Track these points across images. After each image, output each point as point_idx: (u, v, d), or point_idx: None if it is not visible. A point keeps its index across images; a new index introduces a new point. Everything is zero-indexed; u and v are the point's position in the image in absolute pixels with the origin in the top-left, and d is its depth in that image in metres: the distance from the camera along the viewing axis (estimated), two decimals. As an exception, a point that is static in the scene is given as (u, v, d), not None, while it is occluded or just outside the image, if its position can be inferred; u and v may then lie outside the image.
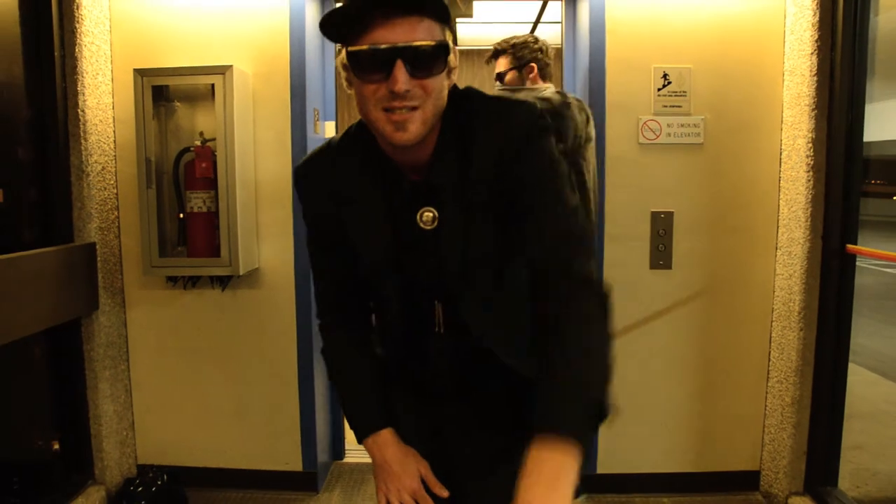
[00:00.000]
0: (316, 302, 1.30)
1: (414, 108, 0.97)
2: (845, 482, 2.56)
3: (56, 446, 2.57)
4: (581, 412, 0.93)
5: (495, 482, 1.08)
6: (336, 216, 1.14)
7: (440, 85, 1.00)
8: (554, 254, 1.05)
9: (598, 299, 1.05)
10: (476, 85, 1.14)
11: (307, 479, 2.75)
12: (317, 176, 1.17)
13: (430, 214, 1.10)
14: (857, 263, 2.43)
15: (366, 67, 0.96)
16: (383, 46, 0.94)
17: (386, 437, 1.21)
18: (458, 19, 3.86)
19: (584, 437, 0.91)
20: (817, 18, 2.32)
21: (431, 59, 0.97)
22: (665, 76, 2.55)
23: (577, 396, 0.94)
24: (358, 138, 1.13)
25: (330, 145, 1.18)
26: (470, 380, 1.21)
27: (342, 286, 1.24)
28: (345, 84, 1.06)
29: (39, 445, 2.55)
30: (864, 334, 6.05)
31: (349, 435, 3.18)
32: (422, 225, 1.10)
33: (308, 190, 1.18)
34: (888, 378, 4.61)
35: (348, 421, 1.27)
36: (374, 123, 1.00)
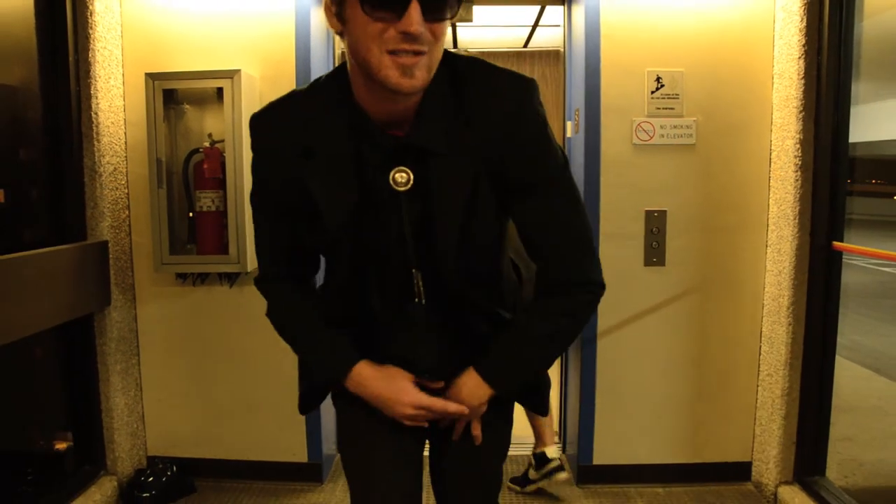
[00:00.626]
0: (260, 261, 1.24)
1: (421, 54, 0.92)
2: (833, 472, 2.64)
3: (69, 438, 2.65)
4: (512, 378, 1.17)
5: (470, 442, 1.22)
6: (294, 171, 1.05)
7: (446, 31, 0.96)
8: (565, 257, 1.10)
9: (588, 299, 1.14)
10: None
11: (312, 470, 2.82)
12: (278, 125, 1.08)
13: (405, 175, 1.03)
14: (856, 263, 2.51)
15: (375, 3, 0.89)
16: None
17: (365, 369, 1.16)
18: (457, 23, 3.93)
19: (503, 389, 1.17)
20: (804, 24, 2.40)
21: (446, 3, 0.92)
22: (658, 79, 2.63)
23: (516, 367, 1.16)
24: (329, 88, 1.05)
25: (295, 94, 1.09)
26: (452, 352, 1.18)
27: (291, 249, 1.18)
28: (332, 21, 0.97)
29: (53, 437, 2.63)
30: (861, 332, 6.13)
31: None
32: (393, 185, 1.03)
33: (266, 140, 1.09)
34: (882, 374, 4.69)
35: (317, 368, 1.21)
36: (374, 67, 0.92)
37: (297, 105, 1.08)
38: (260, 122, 1.09)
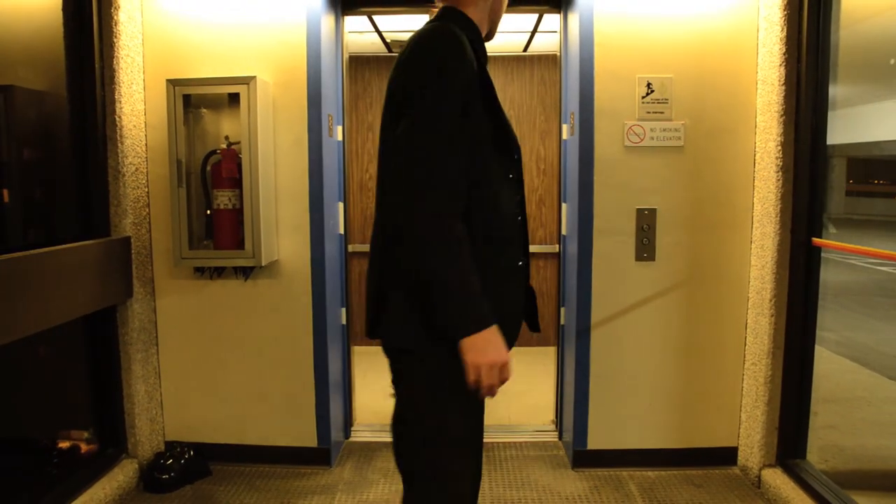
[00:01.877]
0: (438, 194, 1.27)
1: None
2: (815, 456, 2.78)
3: (92, 423, 2.80)
4: None
5: None
6: (480, 75, 1.40)
7: None
8: None
9: None
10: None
11: (321, 455, 2.98)
12: (465, 47, 1.37)
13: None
14: (855, 262, 2.64)
15: None
16: None
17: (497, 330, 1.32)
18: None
19: None
20: (785, 34, 2.56)
21: None
22: (649, 85, 2.79)
23: None
24: (465, 25, 1.46)
25: (452, 28, 1.39)
26: None
27: (466, 176, 1.34)
28: None
29: (77, 422, 2.78)
30: (851, 328, 6.28)
31: (358, 416, 3.41)
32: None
33: (466, 52, 1.36)
34: (868, 367, 4.83)
35: (466, 307, 1.28)
36: (500, 14, 1.57)
37: (459, 33, 1.39)
38: (459, 41, 1.37)
